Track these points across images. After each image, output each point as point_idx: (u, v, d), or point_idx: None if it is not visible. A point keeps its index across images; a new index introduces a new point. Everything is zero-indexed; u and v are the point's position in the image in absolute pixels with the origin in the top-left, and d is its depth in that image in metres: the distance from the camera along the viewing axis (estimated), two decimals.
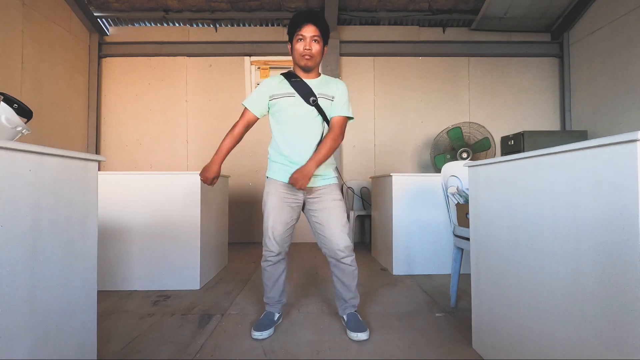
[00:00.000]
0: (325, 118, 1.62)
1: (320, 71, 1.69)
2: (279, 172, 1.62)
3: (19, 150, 0.88)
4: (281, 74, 1.66)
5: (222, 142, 1.63)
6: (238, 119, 1.66)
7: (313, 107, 1.59)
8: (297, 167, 1.57)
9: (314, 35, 1.54)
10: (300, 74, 1.63)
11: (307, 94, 1.59)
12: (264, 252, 1.65)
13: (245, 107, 1.65)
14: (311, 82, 1.62)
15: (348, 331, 1.61)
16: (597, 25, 3.83)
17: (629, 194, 0.76)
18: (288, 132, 1.60)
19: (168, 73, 4.41)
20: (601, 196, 0.83)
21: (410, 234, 2.72)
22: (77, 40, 4.07)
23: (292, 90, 1.59)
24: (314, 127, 1.61)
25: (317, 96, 1.60)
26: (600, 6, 3.80)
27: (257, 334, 1.57)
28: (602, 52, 3.78)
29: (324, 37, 1.59)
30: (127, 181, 2.31)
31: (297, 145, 1.59)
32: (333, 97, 1.64)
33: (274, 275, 1.67)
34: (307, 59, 1.55)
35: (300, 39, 1.55)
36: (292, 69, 1.67)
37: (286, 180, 1.59)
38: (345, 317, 1.68)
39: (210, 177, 1.59)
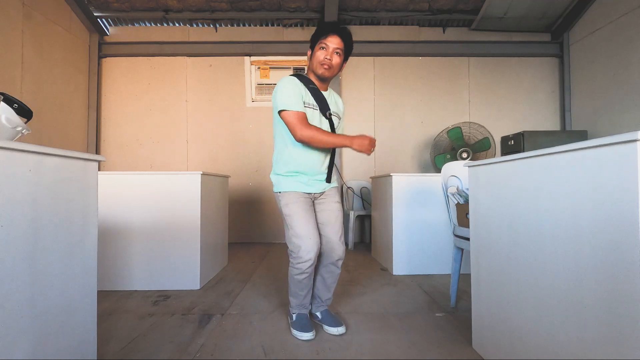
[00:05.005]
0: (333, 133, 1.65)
1: None
2: (294, 184, 1.58)
3: (19, 150, 0.87)
4: (295, 77, 1.59)
5: (327, 139, 1.50)
6: (293, 125, 1.49)
7: (327, 121, 1.61)
8: (310, 178, 1.59)
9: (337, 48, 1.53)
10: (315, 82, 1.61)
11: (324, 107, 1.60)
12: (298, 265, 1.53)
13: (290, 110, 1.50)
14: (324, 94, 1.63)
15: (326, 327, 1.64)
16: (597, 25, 3.83)
17: (629, 194, 0.76)
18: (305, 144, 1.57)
19: (168, 73, 4.41)
20: (601, 196, 0.83)
21: (410, 234, 2.72)
22: (77, 40, 4.07)
23: (314, 102, 1.58)
24: None
25: (332, 113, 1.63)
26: (600, 6, 3.80)
27: (308, 335, 1.55)
28: (602, 52, 3.78)
29: (346, 52, 1.58)
30: (127, 181, 2.31)
31: (312, 157, 1.58)
32: (340, 117, 1.71)
33: (309, 285, 1.62)
34: (325, 68, 1.54)
35: (323, 48, 1.53)
36: (304, 73, 1.66)
37: (304, 190, 1.59)
38: (319, 314, 1.71)
39: (369, 139, 1.50)
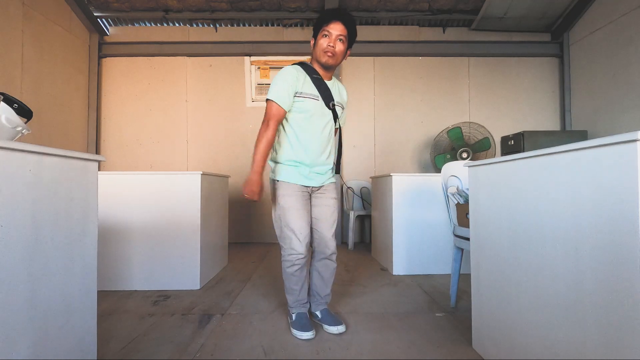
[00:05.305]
0: (336, 123, 1.66)
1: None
2: (293, 174, 1.58)
3: (19, 150, 0.87)
4: (298, 65, 1.58)
5: (258, 148, 1.48)
6: (268, 116, 1.50)
7: (330, 112, 1.60)
8: (310, 170, 1.59)
9: (340, 34, 1.51)
10: (319, 70, 1.59)
11: (327, 98, 1.59)
12: (289, 257, 1.56)
13: (276, 102, 1.50)
14: (327, 84, 1.61)
15: (326, 326, 1.64)
16: (597, 25, 3.83)
17: (629, 194, 0.76)
18: (307, 134, 1.57)
19: (168, 73, 4.41)
20: (601, 196, 0.83)
21: (410, 234, 2.71)
22: (77, 40, 4.07)
23: (317, 93, 1.56)
24: (330, 132, 1.63)
25: (335, 103, 1.61)
26: (600, 6, 3.80)
27: (308, 334, 1.55)
28: (602, 52, 3.78)
29: (350, 39, 1.56)
30: (127, 181, 2.31)
31: (313, 148, 1.58)
32: (344, 107, 1.70)
33: (302, 278, 1.63)
34: (329, 55, 1.52)
35: (326, 35, 1.51)
36: (309, 63, 1.63)
37: (302, 182, 1.58)
38: (318, 313, 1.71)
39: (257, 191, 1.48)
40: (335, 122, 1.64)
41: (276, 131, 1.54)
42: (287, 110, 1.53)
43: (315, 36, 1.57)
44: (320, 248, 1.65)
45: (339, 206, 1.74)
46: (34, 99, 3.41)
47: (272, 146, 1.52)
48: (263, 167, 1.50)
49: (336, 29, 1.50)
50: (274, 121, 1.51)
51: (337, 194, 1.73)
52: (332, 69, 1.60)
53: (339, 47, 1.52)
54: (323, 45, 1.52)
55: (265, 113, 1.53)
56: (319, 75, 1.58)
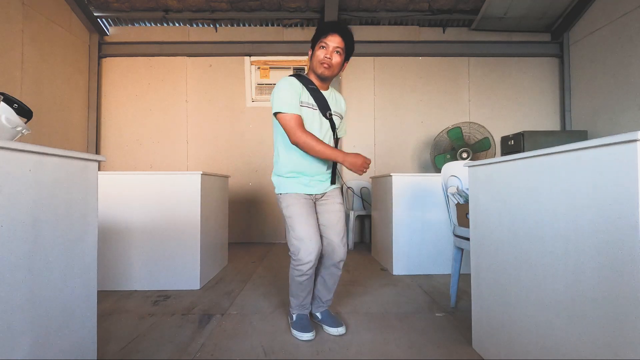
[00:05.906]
0: (334, 133, 1.66)
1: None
2: (296, 185, 1.58)
3: (19, 150, 0.88)
4: (294, 77, 1.59)
5: (319, 150, 1.47)
6: (292, 130, 1.48)
7: (328, 121, 1.61)
8: (311, 178, 1.60)
9: (337, 47, 1.52)
10: (315, 81, 1.60)
11: (324, 107, 1.59)
12: (299, 267, 1.52)
13: (288, 113, 1.49)
14: (324, 94, 1.62)
15: (327, 327, 1.64)
16: (597, 25, 3.83)
17: (629, 194, 0.76)
18: None
19: (168, 73, 4.41)
20: (601, 196, 0.83)
21: (410, 234, 2.71)
22: (77, 40, 4.07)
23: (314, 102, 1.57)
24: (328, 142, 1.63)
25: (332, 112, 1.62)
26: (600, 6, 3.79)
27: (308, 335, 1.55)
28: (602, 52, 3.78)
29: (347, 51, 1.57)
30: (127, 181, 2.31)
31: (312, 158, 1.58)
32: (342, 117, 1.71)
33: (309, 286, 1.62)
34: (325, 67, 1.53)
35: (323, 47, 1.53)
36: (305, 74, 1.65)
37: (305, 191, 1.59)
38: (319, 314, 1.71)
39: (363, 158, 1.47)
40: (333, 132, 1.65)
41: (305, 132, 1.50)
42: (300, 114, 1.51)
43: (313, 47, 1.58)
44: (328, 254, 1.62)
45: (344, 210, 1.72)
46: (34, 99, 3.41)
47: (319, 140, 1.50)
48: (337, 150, 1.50)
49: (333, 41, 1.52)
50: (300, 129, 1.48)
51: (342, 198, 1.71)
52: (328, 80, 1.61)
53: (336, 59, 1.53)
54: (320, 57, 1.53)
55: (285, 127, 1.50)
56: (315, 85, 1.60)
